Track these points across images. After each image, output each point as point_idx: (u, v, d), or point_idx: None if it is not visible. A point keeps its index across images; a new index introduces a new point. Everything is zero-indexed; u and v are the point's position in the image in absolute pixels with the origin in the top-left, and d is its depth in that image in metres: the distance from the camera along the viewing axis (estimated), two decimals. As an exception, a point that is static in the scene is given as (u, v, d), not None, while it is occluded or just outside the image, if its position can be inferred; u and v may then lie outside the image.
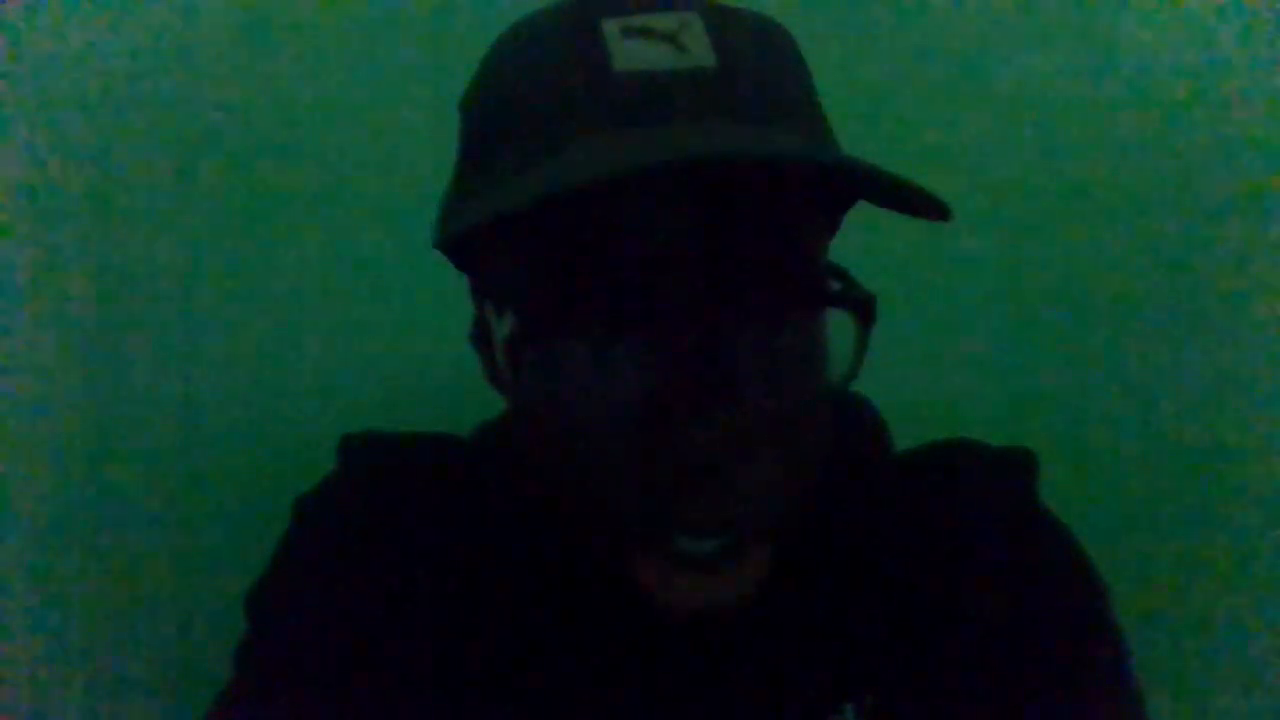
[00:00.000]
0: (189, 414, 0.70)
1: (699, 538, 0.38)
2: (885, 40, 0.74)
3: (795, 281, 0.38)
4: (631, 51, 0.37)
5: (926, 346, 0.74)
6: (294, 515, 0.51)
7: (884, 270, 0.76)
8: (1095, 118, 0.74)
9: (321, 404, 0.70)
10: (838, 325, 0.41)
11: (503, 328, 0.41)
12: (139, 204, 0.70)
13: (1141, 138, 0.74)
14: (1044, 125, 0.74)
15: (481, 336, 0.45)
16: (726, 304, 0.36)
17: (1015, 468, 0.50)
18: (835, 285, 0.41)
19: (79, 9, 0.69)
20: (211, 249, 0.70)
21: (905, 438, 0.52)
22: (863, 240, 0.76)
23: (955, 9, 0.73)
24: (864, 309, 0.39)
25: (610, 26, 0.38)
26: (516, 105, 0.39)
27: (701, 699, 0.44)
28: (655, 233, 0.36)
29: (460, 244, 0.43)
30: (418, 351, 0.70)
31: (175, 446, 0.69)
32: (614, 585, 0.40)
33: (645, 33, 0.37)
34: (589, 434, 0.39)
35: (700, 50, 0.37)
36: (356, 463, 0.52)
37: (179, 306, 0.70)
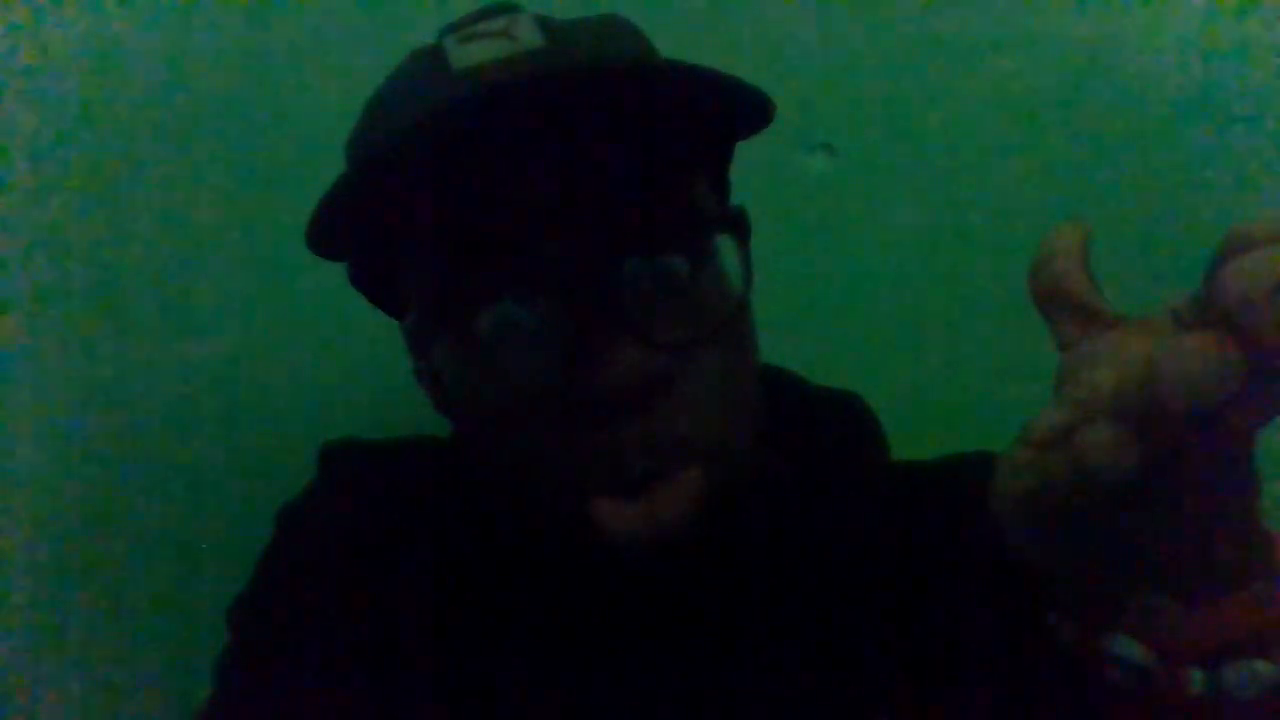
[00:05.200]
0: (183, 419, 0.71)
1: (625, 467, 0.39)
2: (887, 39, 0.74)
3: (661, 209, 0.40)
4: (467, 53, 0.41)
5: (927, 347, 0.74)
6: (276, 526, 0.52)
7: (883, 269, 0.77)
8: (1098, 116, 0.74)
9: (318, 409, 0.71)
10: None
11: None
12: (139, 204, 0.70)
13: (1142, 137, 0.74)
14: (1048, 124, 0.74)
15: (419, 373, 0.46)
16: (598, 245, 0.38)
17: None
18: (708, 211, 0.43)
19: (79, 9, 0.69)
20: (209, 250, 0.71)
21: (904, 438, 0.52)
22: (862, 239, 0.77)
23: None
24: (736, 226, 0.43)
25: (450, 41, 0.42)
26: (376, 125, 0.43)
27: (673, 645, 0.44)
28: (509, 199, 0.39)
29: (383, 295, 0.46)
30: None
31: (169, 452, 0.71)
32: (580, 540, 0.41)
33: (480, 36, 0.42)
34: (508, 406, 0.40)
35: (528, 36, 0.41)
36: (336, 471, 0.53)
37: (177, 310, 0.71)
